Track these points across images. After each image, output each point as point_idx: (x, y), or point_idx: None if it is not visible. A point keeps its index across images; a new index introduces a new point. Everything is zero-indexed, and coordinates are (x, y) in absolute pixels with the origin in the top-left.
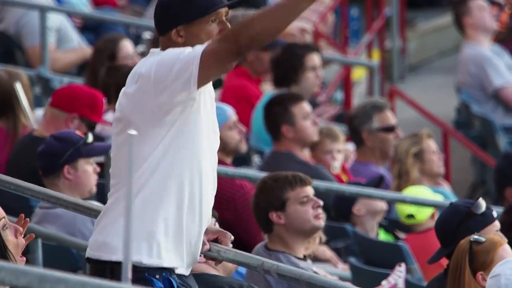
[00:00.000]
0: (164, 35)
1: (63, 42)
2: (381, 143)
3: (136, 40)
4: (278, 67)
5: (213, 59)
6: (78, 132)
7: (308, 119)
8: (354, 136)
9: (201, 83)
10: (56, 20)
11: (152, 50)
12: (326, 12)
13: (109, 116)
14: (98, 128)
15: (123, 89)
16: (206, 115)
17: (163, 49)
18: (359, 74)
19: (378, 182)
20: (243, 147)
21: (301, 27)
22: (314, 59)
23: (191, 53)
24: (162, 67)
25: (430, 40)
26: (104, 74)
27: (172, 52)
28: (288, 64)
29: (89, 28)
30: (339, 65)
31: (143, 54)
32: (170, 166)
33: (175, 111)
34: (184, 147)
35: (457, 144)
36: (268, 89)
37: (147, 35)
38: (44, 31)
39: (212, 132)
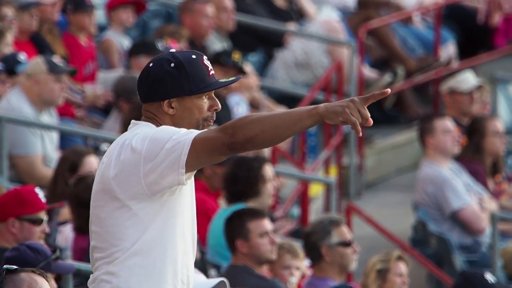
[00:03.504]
0: (151, 104)
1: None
2: (341, 257)
3: (94, 151)
4: (234, 182)
5: (204, 146)
6: (46, 246)
7: (265, 237)
8: (311, 252)
9: (189, 167)
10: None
11: (134, 121)
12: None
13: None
14: None
15: (104, 161)
16: (184, 202)
17: (148, 118)
18: (316, 190)
19: None
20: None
21: None
22: (269, 170)
23: (185, 135)
24: (154, 144)
25: (387, 157)
26: (74, 185)
27: (166, 130)
28: (247, 177)
29: None
30: (297, 180)
31: None
32: (152, 243)
33: (163, 193)
34: (161, 229)
35: (413, 262)
36: (225, 204)
37: (105, 146)
38: (1, 140)
39: (190, 220)
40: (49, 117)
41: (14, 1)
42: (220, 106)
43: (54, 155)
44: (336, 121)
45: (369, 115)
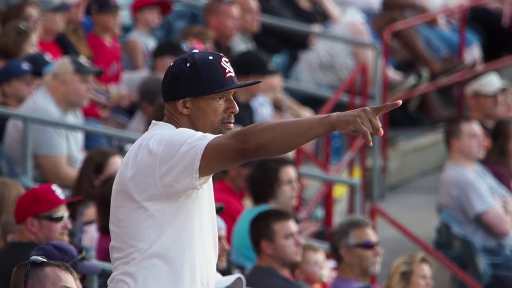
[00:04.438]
0: (169, 103)
1: None
2: (359, 259)
3: (119, 152)
4: (254, 183)
5: (216, 152)
6: (72, 247)
7: (290, 239)
8: (334, 253)
9: (203, 172)
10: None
11: (154, 122)
12: None
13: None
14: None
15: (124, 161)
16: (202, 205)
17: (168, 118)
18: (340, 192)
19: None
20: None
21: None
22: (290, 172)
23: (199, 140)
24: (170, 146)
25: (411, 160)
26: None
27: (183, 133)
28: (264, 179)
29: None
30: (321, 182)
31: None
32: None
33: (179, 196)
34: (179, 231)
35: (437, 264)
36: (250, 204)
37: (129, 147)
38: (26, 140)
39: (210, 223)
40: (74, 118)
41: (41, 4)
42: (237, 109)
43: (79, 155)
44: (347, 130)
45: (380, 125)
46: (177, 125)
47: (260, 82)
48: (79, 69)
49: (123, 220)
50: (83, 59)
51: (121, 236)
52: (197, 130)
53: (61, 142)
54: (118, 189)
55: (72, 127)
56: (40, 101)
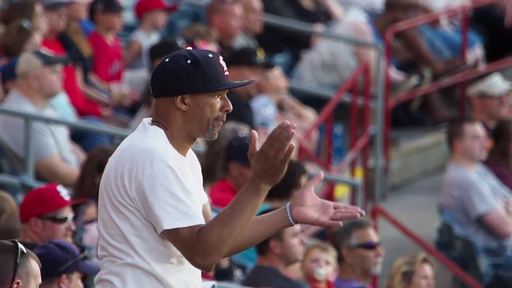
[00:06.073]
0: (164, 99)
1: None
2: (361, 259)
3: None
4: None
5: (175, 240)
6: (75, 246)
7: (296, 238)
8: (335, 252)
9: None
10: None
11: (144, 122)
12: (311, 129)
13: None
14: None
15: (109, 161)
16: None
17: (159, 115)
18: (342, 192)
19: None
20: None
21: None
22: (304, 181)
23: (170, 215)
24: (143, 198)
25: (413, 160)
26: None
27: (160, 196)
28: (287, 180)
29: (73, 137)
30: (322, 182)
31: None
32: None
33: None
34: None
35: (438, 265)
36: None
37: None
38: (28, 139)
39: None
40: (53, 111)
41: (44, 1)
42: (231, 107)
43: (68, 146)
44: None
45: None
46: (169, 122)
47: (254, 81)
48: (47, 61)
49: (107, 220)
50: (44, 50)
51: (105, 236)
52: (191, 126)
53: (49, 142)
54: (102, 188)
55: (76, 126)
56: (14, 106)
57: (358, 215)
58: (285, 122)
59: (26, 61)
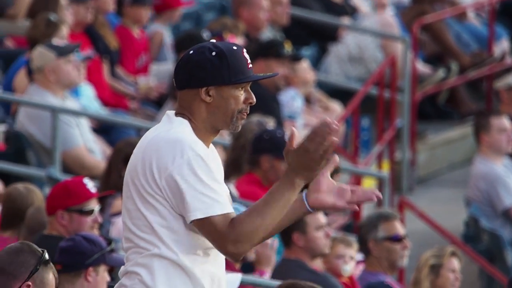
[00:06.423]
0: (189, 91)
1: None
2: (388, 252)
3: None
4: None
5: (207, 230)
6: (102, 238)
7: (321, 231)
8: (362, 245)
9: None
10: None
11: (168, 114)
12: (337, 122)
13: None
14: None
15: (135, 151)
16: None
17: (183, 107)
18: (368, 184)
19: None
20: None
21: None
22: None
23: (203, 204)
24: (174, 188)
25: (440, 153)
26: None
27: (192, 185)
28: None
29: (100, 130)
30: (349, 175)
31: None
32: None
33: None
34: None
35: (465, 258)
36: None
37: None
38: (55, 131)
39: None
40: (74, 102)
41: None
42: (255, 100)
43: (91, 136)
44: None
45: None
46: (194, 114)
47: (278, 74)
48: (60, 52)
49: (132, 211)
50: (56, 41)
51: (130, 227)
52: (215, 118)
53: (75, 133)
54: (128, 179)
55: (101, 118)
56: (37, 98)
57: (375, 197)
58: (328, 118)
59: (40, 55)
